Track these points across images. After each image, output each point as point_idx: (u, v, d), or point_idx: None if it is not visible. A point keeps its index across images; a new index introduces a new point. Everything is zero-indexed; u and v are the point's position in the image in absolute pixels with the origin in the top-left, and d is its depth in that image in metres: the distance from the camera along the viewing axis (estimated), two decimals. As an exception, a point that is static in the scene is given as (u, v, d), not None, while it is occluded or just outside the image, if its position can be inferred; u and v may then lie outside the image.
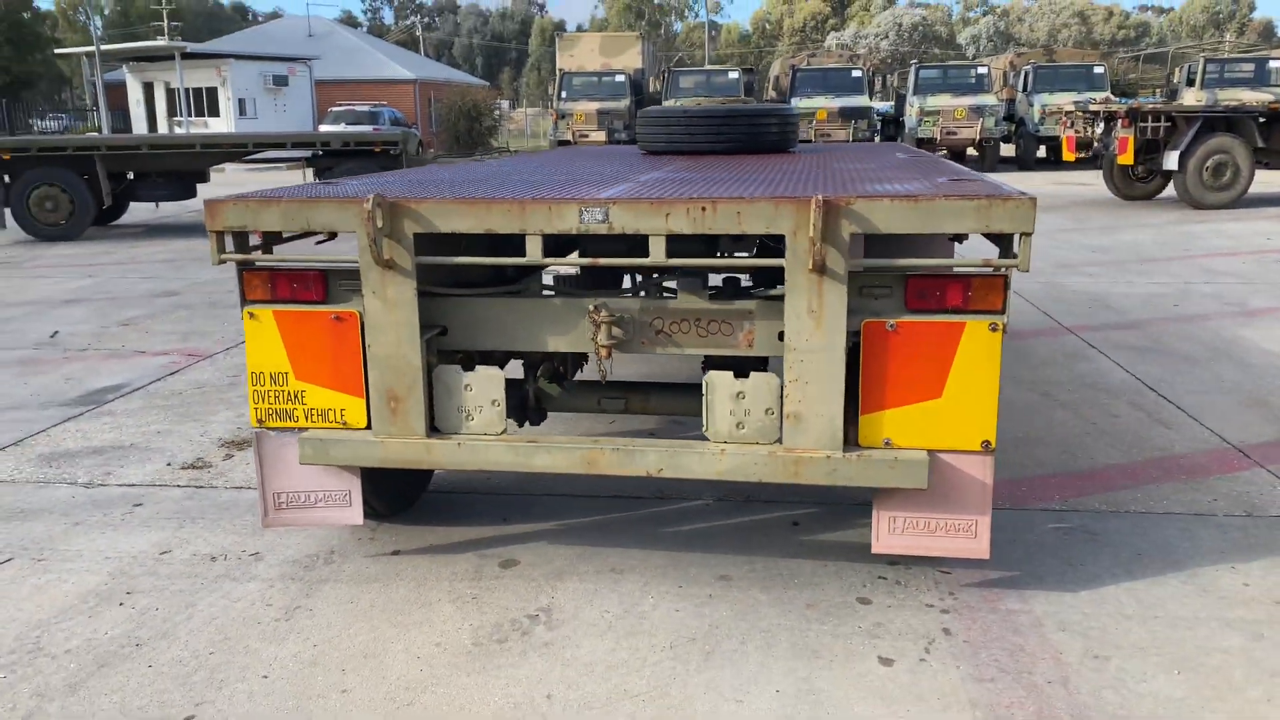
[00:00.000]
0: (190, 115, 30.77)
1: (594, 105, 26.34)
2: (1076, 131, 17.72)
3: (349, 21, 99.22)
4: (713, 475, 3.18)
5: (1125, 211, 15.27)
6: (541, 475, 3.31)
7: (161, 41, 32.85)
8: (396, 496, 3.92)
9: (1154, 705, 2.68)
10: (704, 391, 3.20)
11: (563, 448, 3.24)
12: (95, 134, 26.31)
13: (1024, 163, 25.89)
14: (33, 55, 34.83)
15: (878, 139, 28.07)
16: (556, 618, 3.18)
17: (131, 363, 6.58)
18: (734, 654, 2.96)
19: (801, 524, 3.88)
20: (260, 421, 3.40)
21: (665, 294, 3.35)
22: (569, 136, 25.97)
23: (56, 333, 7.56)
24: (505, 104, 47.21)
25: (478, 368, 3.32)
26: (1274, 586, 3.33)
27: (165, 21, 71.37)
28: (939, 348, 3.04)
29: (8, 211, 13.22)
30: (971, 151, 26.40)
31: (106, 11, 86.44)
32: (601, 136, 25.98)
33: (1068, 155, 17.90)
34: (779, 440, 3.15)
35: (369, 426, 3.33)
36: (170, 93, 30.74)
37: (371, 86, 36.90)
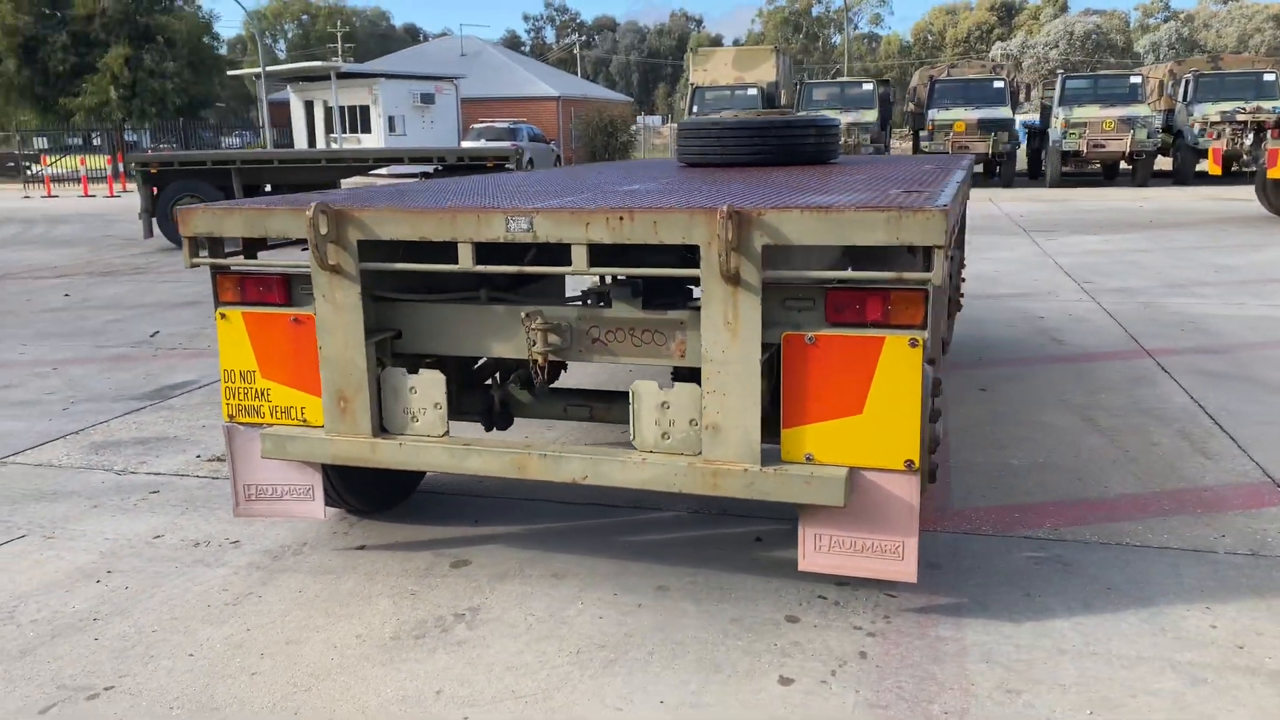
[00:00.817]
0: (345, 132, 32.50)
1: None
2: (1225, 143, 16.64)
3: (512, 42, 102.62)
4: (634, 484, 3.19)
5: (1274, 229, 14.23)
6: (524, 481, 3.36)
7: (320, 63, 34.77)
8: (373, 494, 4.07)
9: (1050, 745, 2.54)
10: (630, 401, 3.22)
11: (494, 452, 3.31)
12: (232, 149, 28.06)
13: (1181, 177, 24.40)
14: (209, 78, 37.44)
15: (1020, 152, 27.11)
16: (482, 618, 3.25)
17: (210, 362, 7.02)
18: (635, 663, 2.96)
19: (765, 540, 3.82)
20: (231, 417, 3.61)
21: (602, 303, 3.38)
22: (699, 150, 26.04)
23: (156, 332, 8.14)
24: (648, 119, 47.85)
25: (421, 371, 3.43)
26: (1242, 630, 3.09)
27: (339, 44, 75.61)
28: (858, 363, 2.97)
29: (154, 221, 14.28)
30: (1125, 166, 25.14)
31: (290, 35, 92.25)
32: (732, 150, 25.94)
33: (1213, 169, 16.83)
34: (700, 452, 3.13)
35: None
36: (328, 110, 32.52)
37: (515, 104, 38.04)
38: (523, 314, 3.30)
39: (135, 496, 4.41)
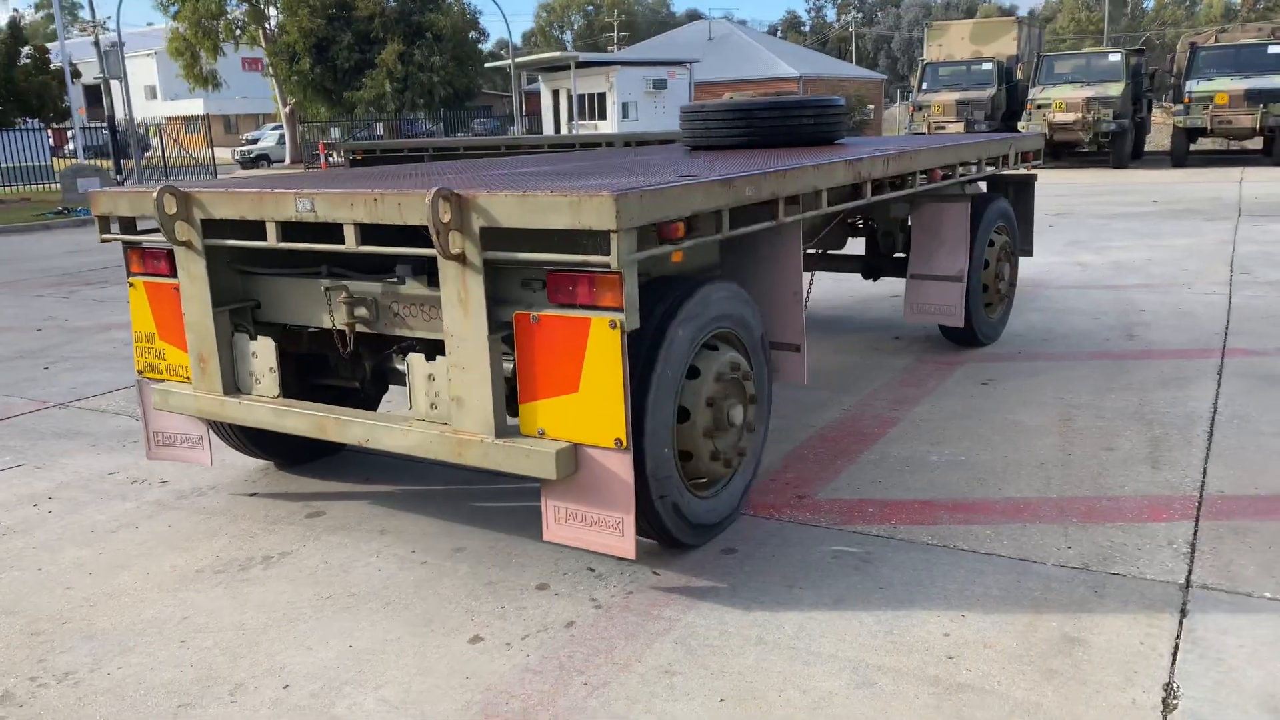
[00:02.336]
0: (584, 119, 33.92)
1: (954, 96, 25.21)
2: None
3: (792, 23, 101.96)
4: (401, 449, 3.44)
5: None
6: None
7: (560, 53, 36.40)
8: (278, 448, 4.49)
9: (653, 724, 2.57)
10: (406, 372, 3.46)
11: (303, 414, 3.66)
12: (427, 137, 29.89)
13: None
14: (471, 70, 40.16)
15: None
16: (284, 562, 3.61)
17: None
18: (365, 612, 3.21)
19: (598, 514, 3.92)
20: (140, 371, 4.17)
21: (397, 280, 3.61)
22: (924, 129, 25.09)
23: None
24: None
25: (258, 338, 3.83)
26: (970, 642, 2.90)
27: (615, 32, 78.50)
28: (573, 343, 3.06)
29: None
30: None
31: (576, 26, 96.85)
32: (959, 128, 24.78)
33: None
34: (450, 422, 3.32)
35: (204, 383, 3.97)
36: (570, 98, 34.09)
37: (753, 85, 38.02)
38: (323, 287, 3.62)
39: (128, 440, 5.13)
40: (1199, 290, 8.09)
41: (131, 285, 4.10)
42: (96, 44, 43.89)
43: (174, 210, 3.71)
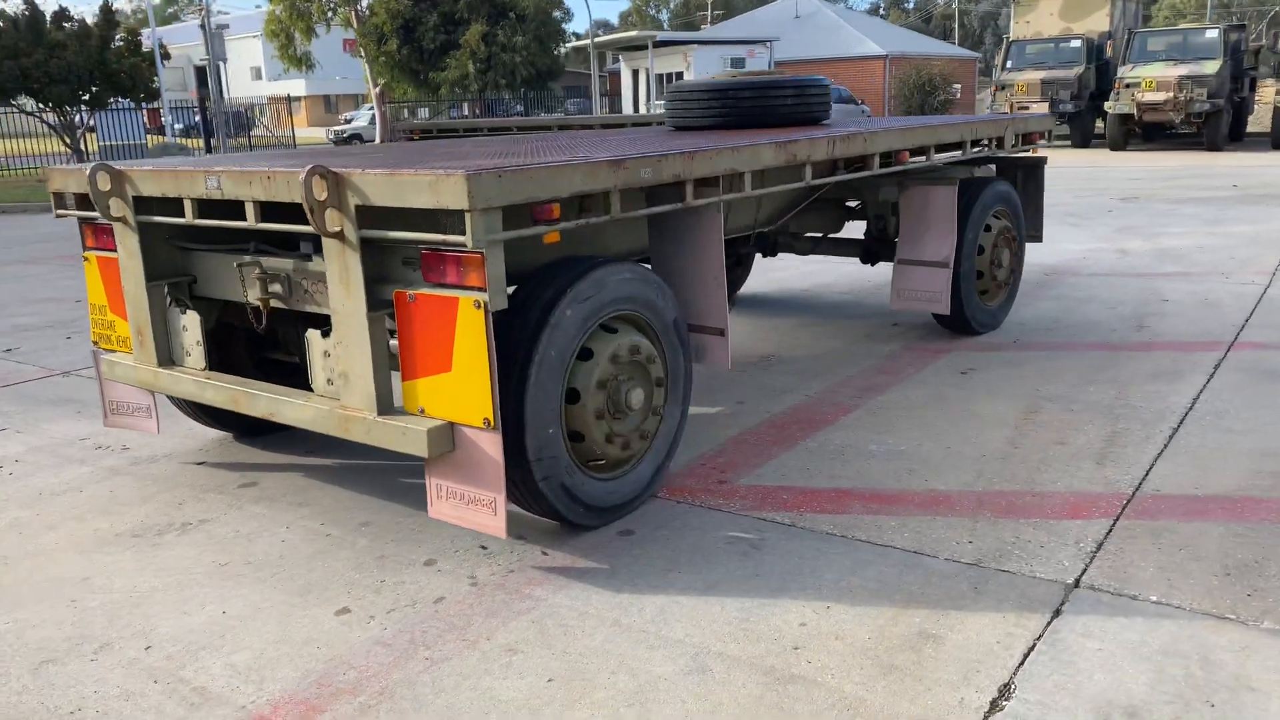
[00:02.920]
0: (660, 99, 33.87)
1: (1039, 74, 24.36)
2: None
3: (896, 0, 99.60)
4: (300, 423, 3.52)
5: None
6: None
7: (637, 33, 36.29)
8: (228, 419, 4.61)
9: (475, 700, 2.59)
10: (305, 347, 3.53)
11: (219, 387, 3.77)
12: (480, 117, 30.00)
13: None
14: (553, 51, 40.33)
15: None
16: (198, 529, 3.74)
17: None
18: (251, 579, 3.31)
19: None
20: (95, 343, 4.35)
21: (308, 257, 3.68)
22: (1006, 109, 24.31)
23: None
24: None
25: (186, 313, 3.95)
26: (823, 634, 2.85)
27: (710, 10, 77.94)
28: (444, 322, 3.09)
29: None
30: None
31: (672, 4, 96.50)
32: (1044, 109, 23.95)
33: None
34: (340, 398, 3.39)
35: (149, 355, 4.11)
36: (648, 78, 34.00)
37: (836, 64, 37.34)
38: (235, 264, 3.72)
39: (113, 408, 5.34)
40: (1236, 280, 7.71)
41: (86, 259, 4.26)
42: (203, 26, 45.41)
43: (107, 187, 3.85)
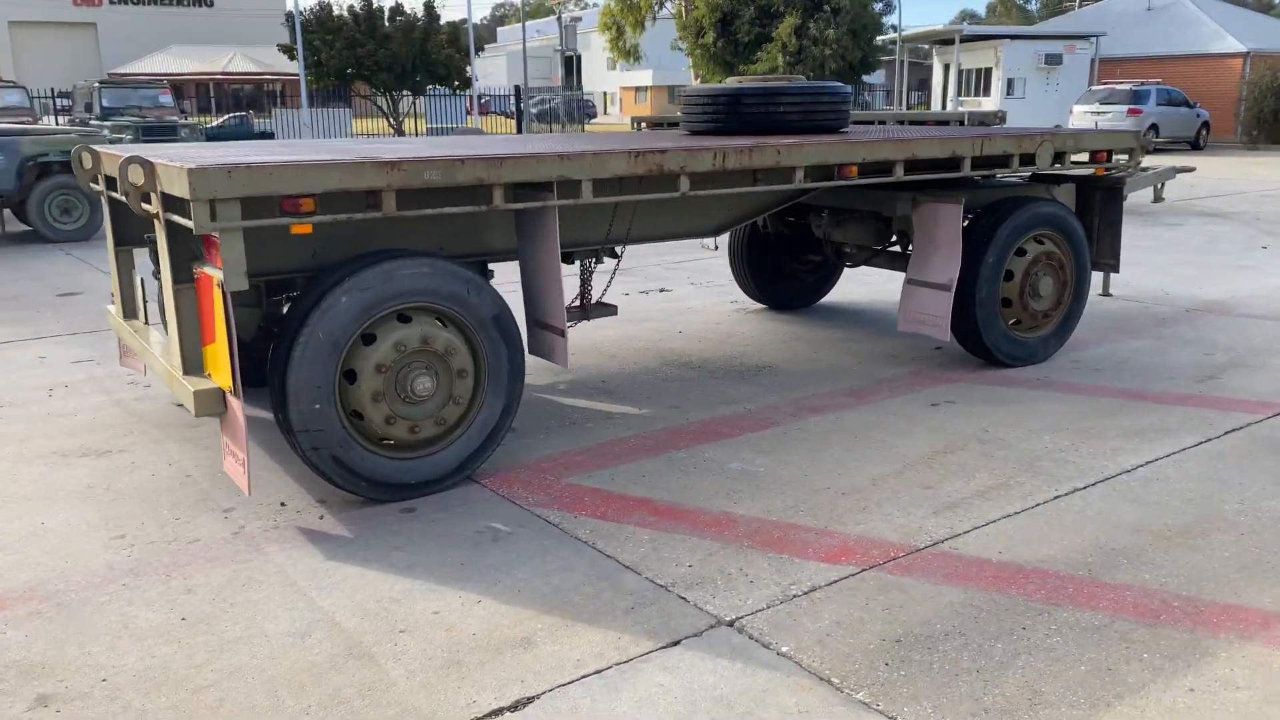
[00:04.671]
0: (969, 94, 32.17)
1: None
2: None
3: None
4: (160, 377, 4.09)
5: None
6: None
7: (947, 26, 34.63)
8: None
9: (112, 622, 3.01)
10: (160, 310, 4.10)
11: (133, 338, 4.44)
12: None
13: None
14: (865, 44, 39.58)
15: None
16: (112, 457, 4.43)
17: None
18: (91, 500, 3.93)
19: (369, 462, 4.32)
20: (112, 295, 5.21)
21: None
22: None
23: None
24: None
25: (139, 275, 4.66)
26: (437, 624, 2.99)
27: (1078, 3, 72.77)
28: (209, 297, 3.53)
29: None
30: None
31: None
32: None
33: None
34: (177, 360, 3.93)
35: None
36: (958, 73, 32.48)
37: (1178, 62, 33.55)
38: (145, 235, 4.35)
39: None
40: None
41: (108, 227, 5.12)
42: (559, 19, 48.77)
43: (89, 165, 4.63)
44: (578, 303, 5.15)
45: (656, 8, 43.05)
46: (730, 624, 2.98)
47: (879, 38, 39.11)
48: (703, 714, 2.54)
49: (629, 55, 47.30)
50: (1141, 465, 4.23)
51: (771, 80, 5.81)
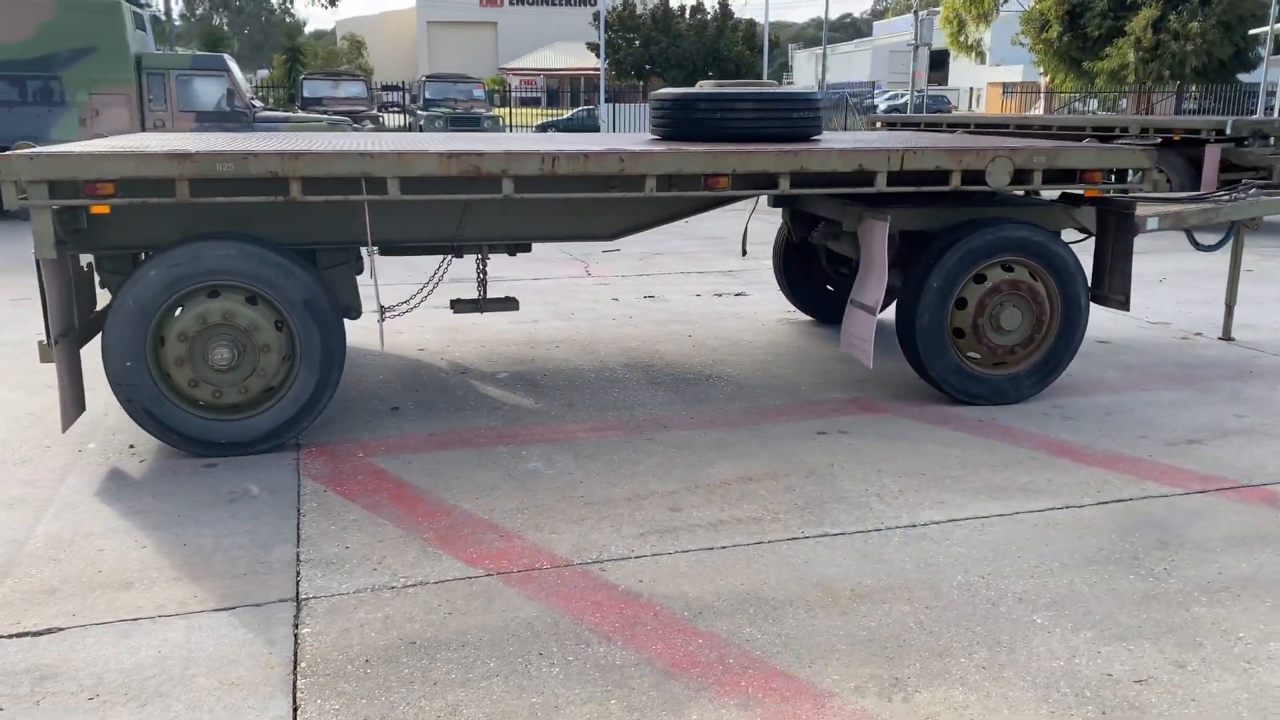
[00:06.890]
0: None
1: None
2: None
3: None
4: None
5: None
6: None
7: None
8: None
9: (-106, 519, 3.76)
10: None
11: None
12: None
13: None
14: (1236, 36, 34.86)
15: None
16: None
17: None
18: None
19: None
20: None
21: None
22: None
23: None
24: None
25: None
26: (45, 560, 3.44)
27: None
28: (51, 266, 4.21)
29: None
30: None
31: None
32: None
33: None
34: (71, 313, 4.68)
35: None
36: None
37: None
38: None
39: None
40: None
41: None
42: (915, 13, 48.00)
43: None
44: (476, 295, 5.39)
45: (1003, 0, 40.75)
46: (298, 601, 3.17)
47: (1255, 29, 34.31)
48: (151, 670, 2.79)
49: (970, 50, 45.16)
50: (938, 522, 3.80)
51: (728, 85, 5.63)
